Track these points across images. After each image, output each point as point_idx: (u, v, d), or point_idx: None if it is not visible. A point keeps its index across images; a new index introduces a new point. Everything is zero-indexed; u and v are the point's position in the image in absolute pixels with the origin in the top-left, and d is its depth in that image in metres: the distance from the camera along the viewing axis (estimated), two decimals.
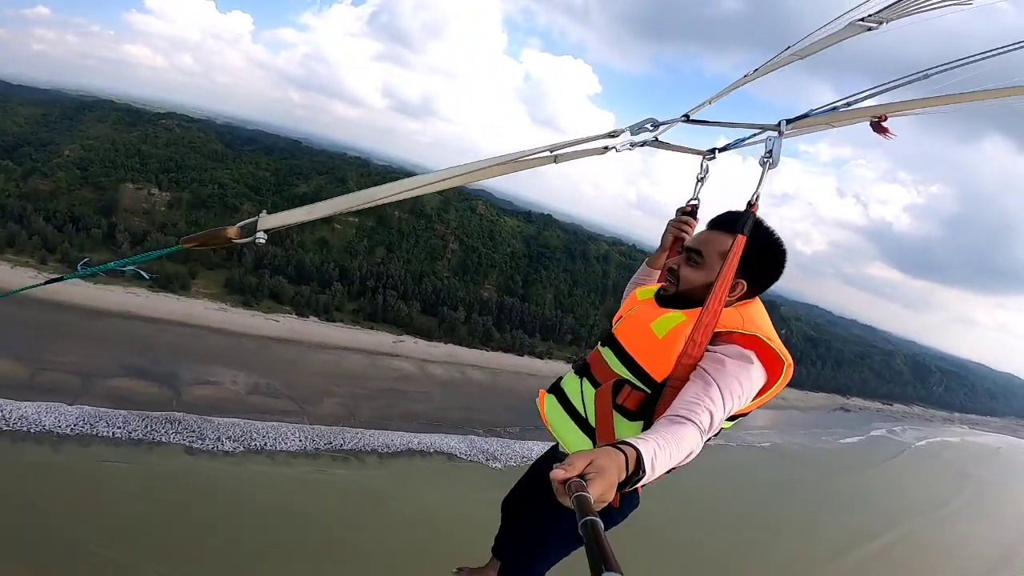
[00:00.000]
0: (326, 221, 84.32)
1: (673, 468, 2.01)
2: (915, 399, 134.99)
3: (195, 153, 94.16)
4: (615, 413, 2.42)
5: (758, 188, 2.27)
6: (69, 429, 39.78)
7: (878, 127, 2.29)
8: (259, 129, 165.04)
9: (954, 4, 2.18)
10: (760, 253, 2.37)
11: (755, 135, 2.56)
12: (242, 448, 43.18)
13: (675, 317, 2.38)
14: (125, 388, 45.75)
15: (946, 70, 2.09)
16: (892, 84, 2.20)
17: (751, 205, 2.27)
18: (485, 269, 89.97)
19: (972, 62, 2.06)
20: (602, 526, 1.20)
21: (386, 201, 2.24)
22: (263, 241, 2.01)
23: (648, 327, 2.41)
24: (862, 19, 2.23)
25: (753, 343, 2.25)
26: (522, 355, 78.83)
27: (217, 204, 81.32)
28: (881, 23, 2.22)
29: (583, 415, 2.55)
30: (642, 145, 2.52)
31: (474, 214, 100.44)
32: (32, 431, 38.68)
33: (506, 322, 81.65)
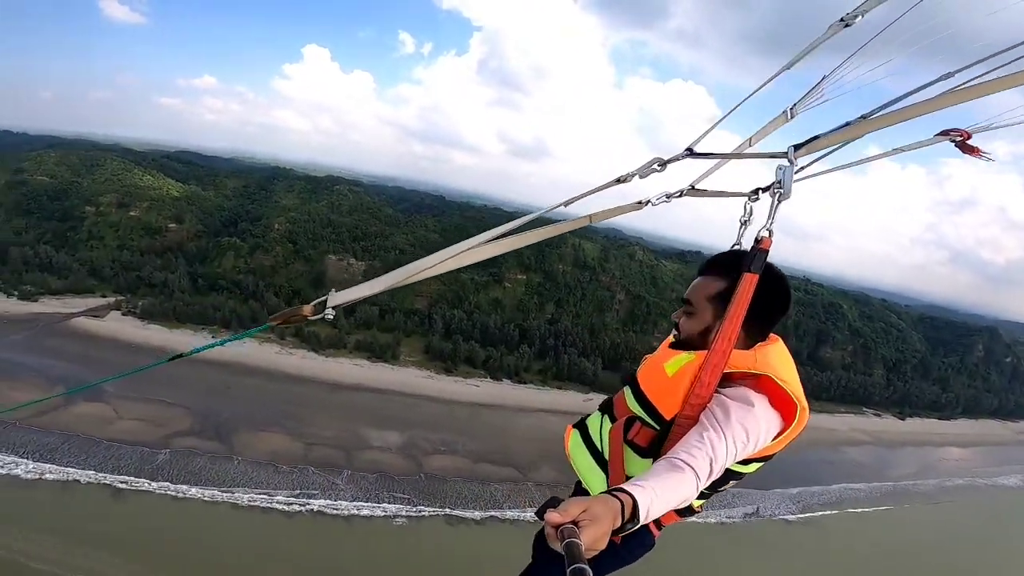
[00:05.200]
0: (497, 281, 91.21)
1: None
2: None
3: (373, 219, 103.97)
4: (626, 448, 2.48)
5: (769, 222, 2.18)
6: (346, 509, 45.86)
7: (965, 147, 2.12)
8: (398, 186, 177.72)
9: None
10: (760, 292, 2.26)
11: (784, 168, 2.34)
12: (490, 517, 47.89)
13: (685, 357, 2.37)
14: (379, 461, 52.21)
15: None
16: (913, 92, 2.07)
17: (760, 241, 2.20)
18: (654, 317, 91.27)
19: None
20: (588, 573, 1.27)
21: (434, 273, 2.40)
22: (331, 316, 2.24)
23: (661, 366, 2.43)
24: (841, 19, 2.24)
25: (763, 384, 2.26)
26: None
27: None
28: (857, 17, 2.23)
29: (599, 449, 2.65)
30: (679, 196, 2.47)
31: (633, 261, 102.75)
32: (324, 509, 45.32)
33: None
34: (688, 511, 2.66)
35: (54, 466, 42.93)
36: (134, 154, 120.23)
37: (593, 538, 1.49)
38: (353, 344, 72.70)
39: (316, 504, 45.07)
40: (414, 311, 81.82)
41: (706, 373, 2.21)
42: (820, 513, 59.28)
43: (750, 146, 2.27)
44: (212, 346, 2.88)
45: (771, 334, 2.47)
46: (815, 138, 2.13)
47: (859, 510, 61.75)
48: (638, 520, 1.70)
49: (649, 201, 2.42)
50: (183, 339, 67.33)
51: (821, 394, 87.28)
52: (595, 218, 2.49)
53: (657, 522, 2.67)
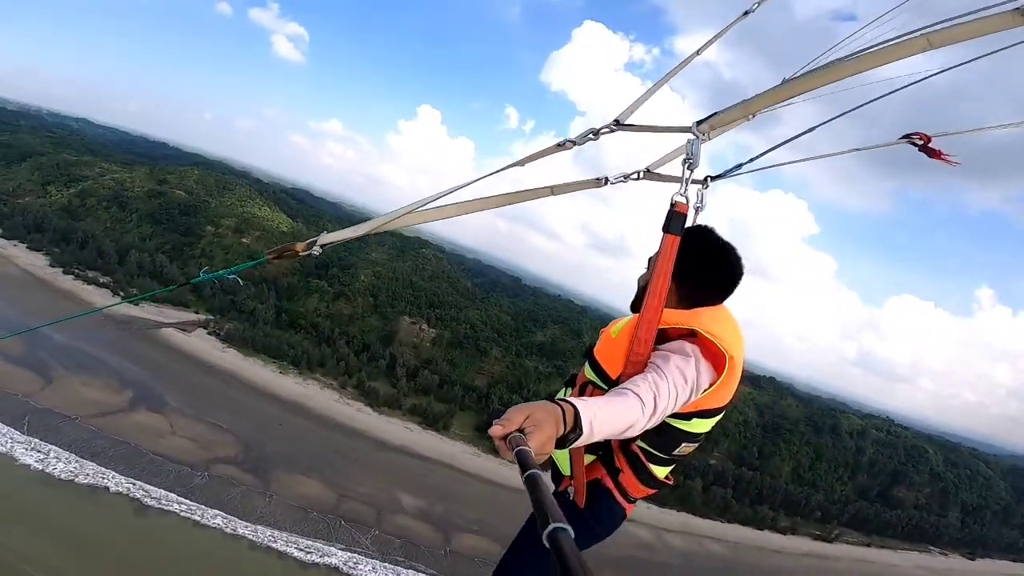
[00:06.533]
0: (560, 374, 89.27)
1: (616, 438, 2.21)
2: None
3: (452, 289, 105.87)
4: None
5: (683, 188, 2.31)
6: (363, 571, 44.29)
7: (928, 150, 2.09)
8: (476, 258, 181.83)
9: None
10: (693, 254, 2.46)
11: (755, 161, 2.68)
12: None
13: (629, 318, 2.53)
14: (408, 528, 50.82)
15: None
16: (803, 75, 2.12)
17: (674, 204, 2.31)
18: (716, 437, 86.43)
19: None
20: (543, 478, 1.22)
21: (409, 224, 2.68)
22: (319, 252, 2.66)
23: (609, 331, 2.59)
24: (745, 12, 2.47)
25: (695, 339, 2.40)
26: (762, 529, 74.39)
27: (470, 345, 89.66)
28: (756, 6, 2.44)
29: None
30: (637, 179, 2.62)
31: None
32: (341, 566, 43.91)
33: (744, 494, 77.99)
34: (657, 484, 2.74)
35: (93, 467, 44.19)
36: (260, 184, 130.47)
37: (540, 443, 1.56)
38: (409, 407, 72.77)
39: (335, 559, 44.02)
40: (473, 387, 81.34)
41: (642, 330, 2.36)
42: None
43: (708, 137, 2.33)
44: (215, 276, 3.15)
45: (722, 303, 2.64)
46: (714, 114, 2.29)
47: None
48: (581, 430, 1.77)
49: (608, 179, 2.61)
50: (254, 368, 69.89)
51: (886, 531, 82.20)
52: (556, 190, 2.72)
53: (625, 495, 2.74)
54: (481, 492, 60.36)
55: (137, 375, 58.01)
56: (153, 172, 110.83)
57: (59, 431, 46.46)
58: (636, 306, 2.66)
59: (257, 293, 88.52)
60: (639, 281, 2.73)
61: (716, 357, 2.38)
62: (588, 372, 2.64)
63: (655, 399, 2.15)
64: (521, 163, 2.66)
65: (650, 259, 2.63)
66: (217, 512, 43.78)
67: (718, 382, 2.39)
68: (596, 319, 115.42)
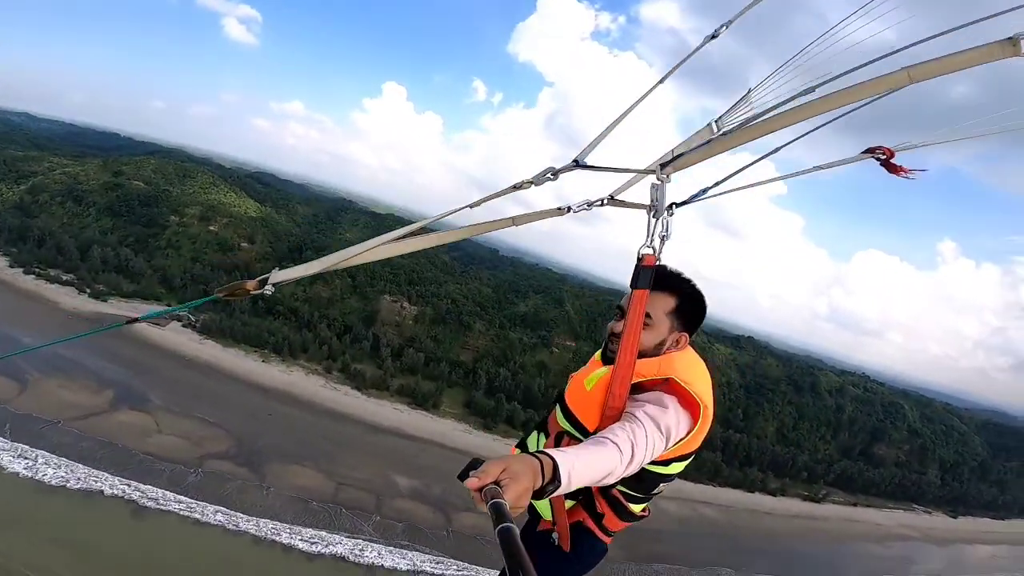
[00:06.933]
0: (545, 345, 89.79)
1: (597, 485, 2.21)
2: None
3: (431, 266, 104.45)
4: None
5: (648, 239, 2.32)
6: (370, 559, 43.94)
7: (889, 165, 2.11)
8: None
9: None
10: (696, 304, 2.59)
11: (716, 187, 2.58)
12: None
13: (601, 371, 2.50)
14: (408, 511, 50.51)
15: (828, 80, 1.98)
16: (772, 109, 2.09)
17: (642, 258, 2.34)
18: None
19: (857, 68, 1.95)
20: (516, 532, 1.25)
21: (367, 260, 2.62)
22: (271, 291, 2.52)
23: (582, 382, 2.56)
24: (712, 34, 2.49)
25: (669, 387, 2.40)
26: (752, 492, 76.11)
27: (453, 321, 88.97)
28: (723, 28, 2.46)
29: None
30: (600, 205, 2.60)
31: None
32: (347, 555, 43.53)
33: (732, 457, 79.42)
34: (634, 518, 2.73)
35: (83, 470, 42.69)
36: (223, 170, 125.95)
37: (516, 495, 1.53)
38: (396, 388, 72.08)
39: (340, 548, 43.49)
40: (459, 363, 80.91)
41: (616, 385, 2.36)
42: None
43: (672, 158, 2.30)
44: (165, 312, 4.21)
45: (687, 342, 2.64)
46: (679, 156, 2.26)
47: None
48: (559, 482, 1.74)
49: (570, 208, 2.54)
50: (235, 359, 68.25)
51: (870, 489, 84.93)
52: (518, 220, 2.65)
53: (605, 529, 2.72)
54: None
55: (115, 374, 56.04)
56: (107, 164, 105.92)
57: (43, 436, 44.58)
58: (607, 356, 2.61)
59: (230, 281, 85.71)
60: (610, 331, 2.65)
61: (691, 405, 2.38)
62: (562, 421, 2.63)
63: (633, 448, 2.13)
64: (475, 204, 2.58)
65: (619, 307, 2.60)
66: (218, 508, 42.79)
67: (694, 431, 2.40)
68: (575, 286, 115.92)
